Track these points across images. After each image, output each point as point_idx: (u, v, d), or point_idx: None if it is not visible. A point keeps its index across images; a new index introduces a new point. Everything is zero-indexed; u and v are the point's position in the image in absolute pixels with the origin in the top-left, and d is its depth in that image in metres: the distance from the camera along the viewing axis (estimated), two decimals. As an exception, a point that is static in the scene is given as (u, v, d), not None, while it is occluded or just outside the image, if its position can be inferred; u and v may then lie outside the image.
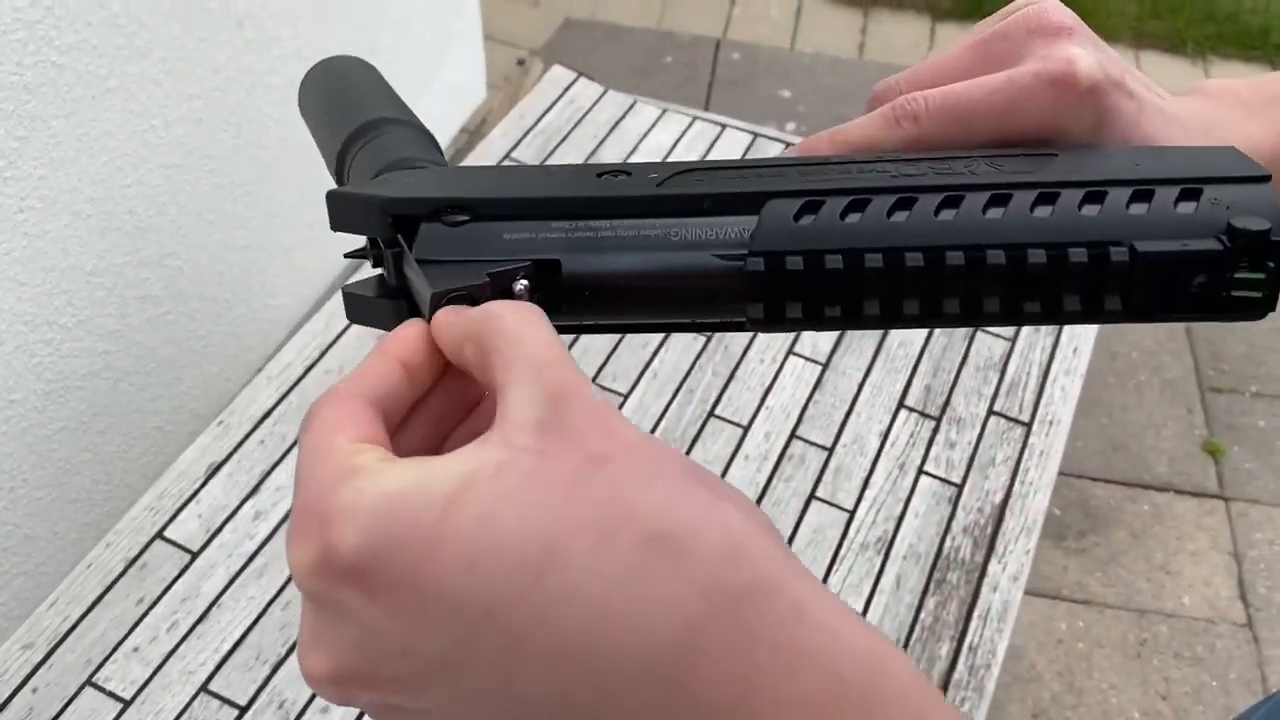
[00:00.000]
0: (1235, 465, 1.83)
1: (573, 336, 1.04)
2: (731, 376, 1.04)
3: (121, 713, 0.80)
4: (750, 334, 1.07)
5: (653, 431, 0.99)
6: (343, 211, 0.34)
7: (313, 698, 0.81)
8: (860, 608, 0.90)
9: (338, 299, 1.05)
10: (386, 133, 0.40)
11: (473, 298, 0.29)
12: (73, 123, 1.15)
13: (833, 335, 1.07)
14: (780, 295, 0.29)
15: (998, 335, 1.09)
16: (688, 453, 0.98)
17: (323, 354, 1.01)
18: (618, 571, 0.22)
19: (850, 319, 0.30)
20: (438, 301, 0.29)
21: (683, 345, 1.05)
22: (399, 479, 0.23)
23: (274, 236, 1.58)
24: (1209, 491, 1.79)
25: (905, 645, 0.89)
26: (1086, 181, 0.29)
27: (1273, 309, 0.29)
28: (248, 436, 0.94)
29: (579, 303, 0.31)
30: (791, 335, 1.07)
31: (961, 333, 1.09)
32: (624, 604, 0.21)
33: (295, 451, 0.91)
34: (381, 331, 0.33)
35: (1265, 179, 0.29)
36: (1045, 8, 0.33)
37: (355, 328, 1.03)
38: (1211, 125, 0.34)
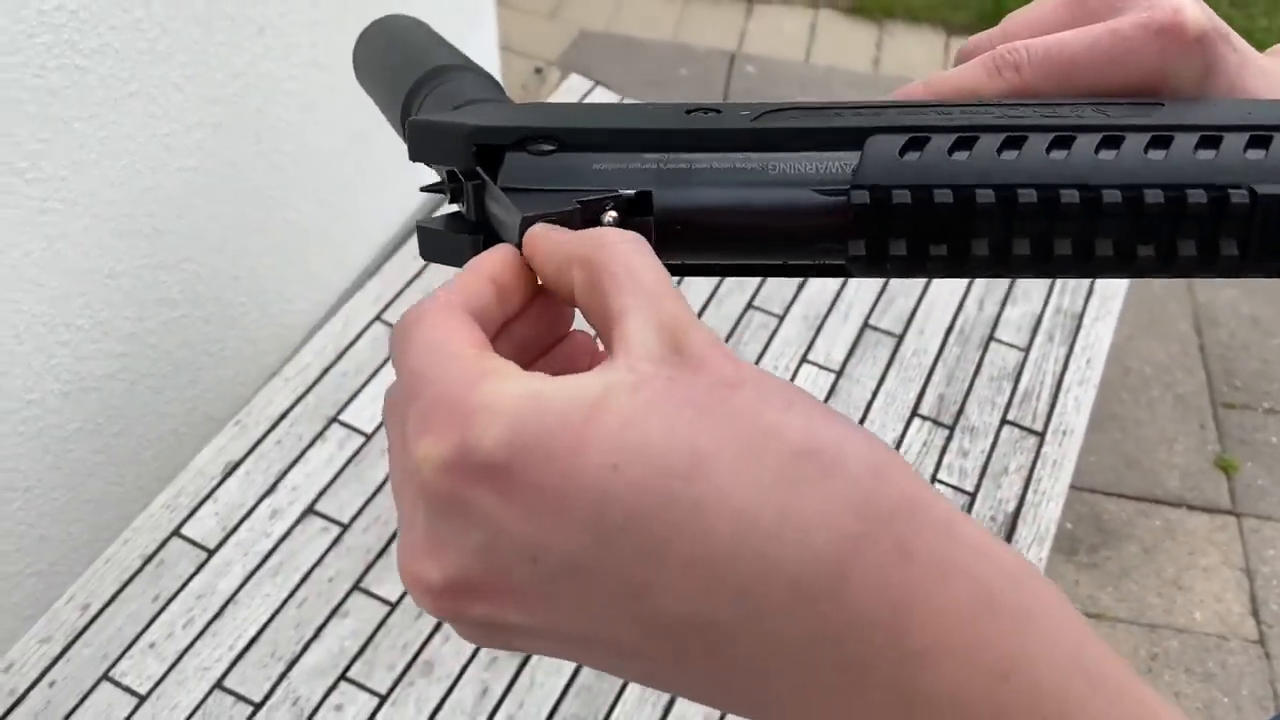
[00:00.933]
0: (1248, 481, 1.82)
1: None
2: (745, 383, 1.04)
3: (137, 708, 0.81)
4: (767, 337, 1.07)
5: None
6: (424, 140, 0.33)
7: (327, 694, 0.82)
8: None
9: (354, 302, 1.06)
10: (452, 79, 0.38)
11: (563, 225, 0.28)
12: (94, 125, 1.16)
13: (847, 343, 1.08)
14: (885, 232, 0.28)
15: (1011, 345, 1.10)
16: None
17: (339, 356, 1.01)
18: (768, 483, 0.21)
19: (957, 260, 0.28)
20: (528, 224, 0.28)
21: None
22: (538, 382, 0.23)
23: (291, 242, 1.59)
24: (1221, 507, 1.79)
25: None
26: (1201, 126, 0.28)
27: None
28: (265, 436, 0.95)
29: (670, 237, 0.30)
30: (806, 342, 1.07)
31: (975, 342, 1.09)
32: (775, 517, 0.21)
33: (316, 444, 0.91)
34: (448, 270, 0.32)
35: None
36: None
37: (370, 332, 1.03)
38: None
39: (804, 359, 1.06)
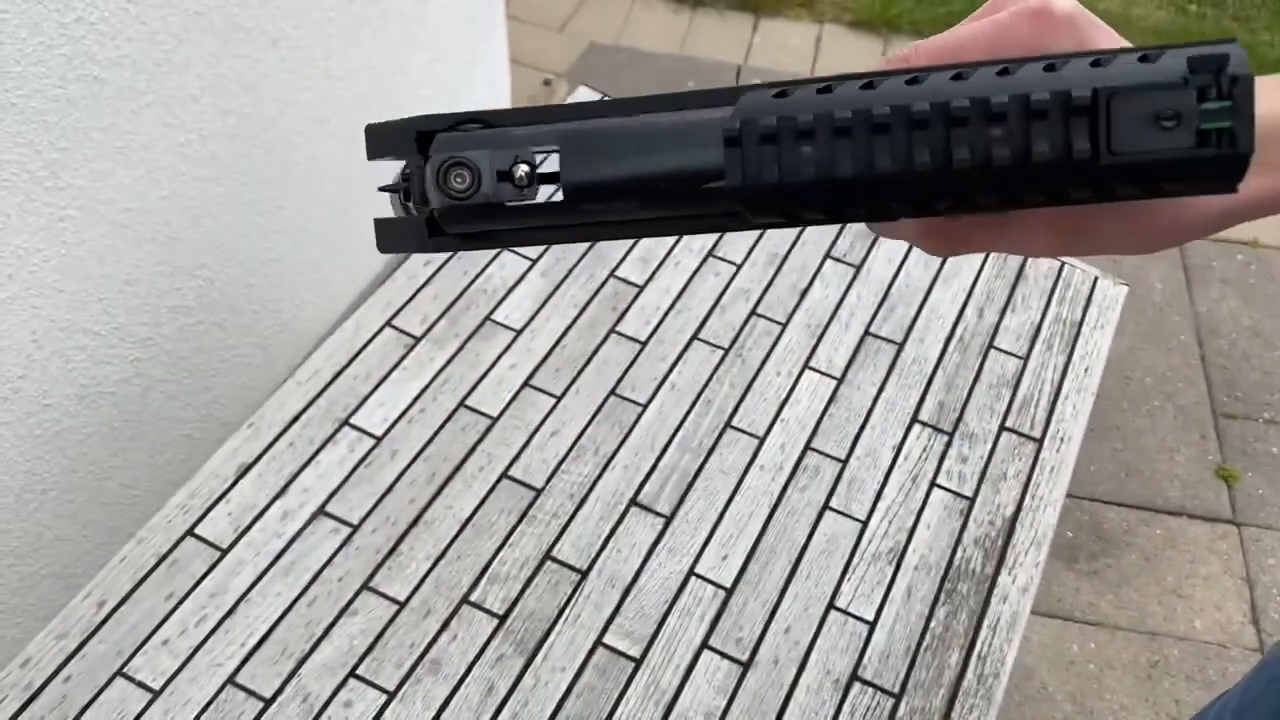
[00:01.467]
0: (1249, 491, 1.83)
1: (591, 349, 1.07)
2: (748, 389, 1.06)
3: (151, 703, 0.82)
4: (769, 345, 1.09)
5: (670, 441, 1.01)
6: (377, 139, 0.37)
7: (337, 691, 0.83)
8: (871, 615, 0.92)
9: (365, 309, 1.08)
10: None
11: (475, 169, 0.33)
12: (112, 135, 1.19)
13: (849, 350, 1.10)
14: (755, 156, 0.31)
15: (1010, 353, 1.11)
16: (704, 462, 1.00)
17: (350, 361, 1.04)
18: None
19: (823, 184, 0.30)
20: (439, 166, 0.33)
21: (701, 358, 1.07)
22: None
23: (303, 251, 1.61)
24: (1222, 517, 1.80)
25: (915, 653, 0.90)
26: (1048, 57, 0.30)
27: (1247, 156, 0.29)
28: (277, 439, 0.97)
29: (580, 194, 0.33)
30: (808, 349, 1.09)
31: (974, 350, 1.11)
32: None
33: (328, 447, 0.93)
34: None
35: (1232, 39, 0.29)
36: None
37: (381, 337, 1.06)
38: None
39: (806, 365, 1.08)
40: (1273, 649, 0.86)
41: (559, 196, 0.34)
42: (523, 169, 0.33)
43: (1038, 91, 0.29)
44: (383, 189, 0.39)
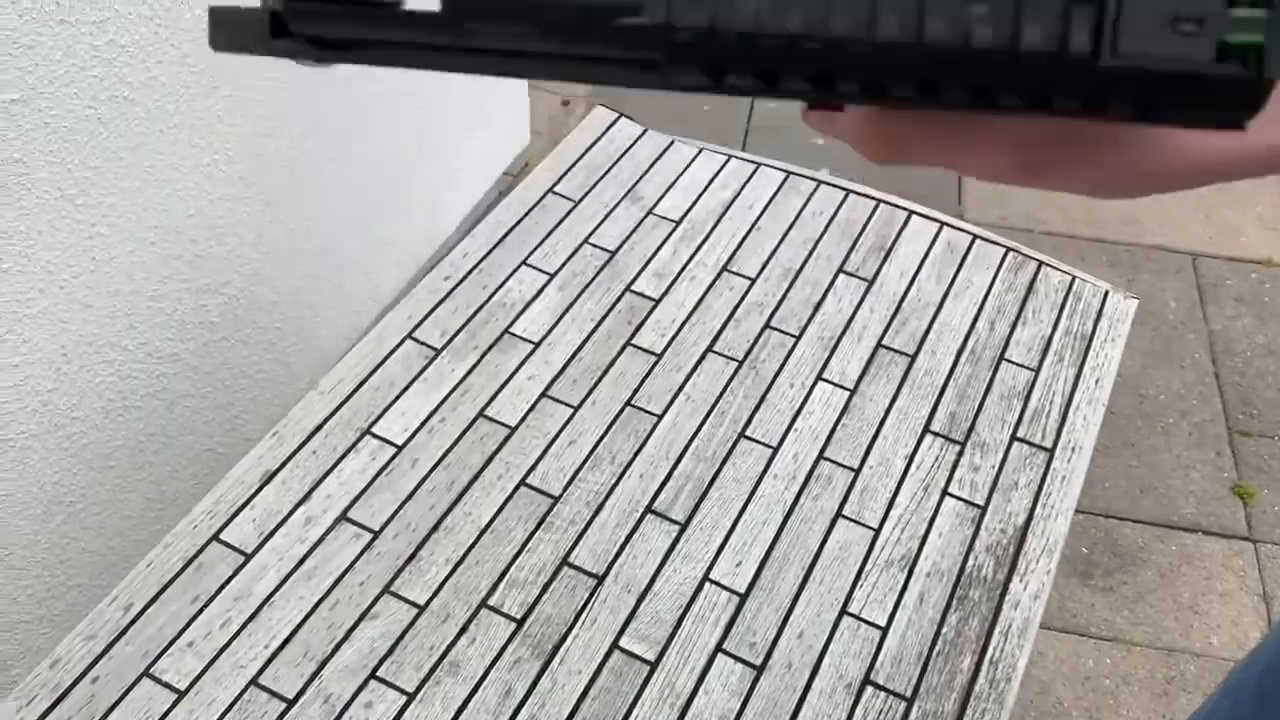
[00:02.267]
0: (1265, 508, 1.83)
1: (608, 361, 1.09)
2: (762, 400, 1.08)
3: (176, 703, 0.84)
4: (783, 357, 1.11)
5: (685, 450, 1.03)
6: None
7: (358, 692, 0.85)
8: (884, 621, 0.93)
9: (387, 321, 1.11)
10: None
11: None
12: (141, 155, 1.22)
13: (861, 362, 1.11)
14: None
15: (1021, 365, 1.13)
16: (719, 470, 1.02)
17: (372, 372, 1.06)
18: None
19: (764, 37, 0.25)
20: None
21: (715, 370, 1.09)
22: None
23: (325, 269, 1.64)
24: (1238, 534, 1.80)
25: (928, 658, 0.91)
26: None
27: (1270, 83, 0.23)
28: (301, 447, 0.99)
29: (461, 5, 0.27)
30: (821, 361, 1.11)
31: (986, 362, 1.13)
32: None
33: (350, 455, 0.95)
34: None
35: None
36: None
37: (402, 349, 1.08)
38: None
39: (819, 377, 1.10)
40: (1234, 669, 0.87)
41: (435, 6, 0.27)
42: None
43: None
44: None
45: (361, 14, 0.28)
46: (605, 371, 1.08)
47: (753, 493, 1.01)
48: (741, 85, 0.26)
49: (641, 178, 1.30)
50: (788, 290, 1.18)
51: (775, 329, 1.14)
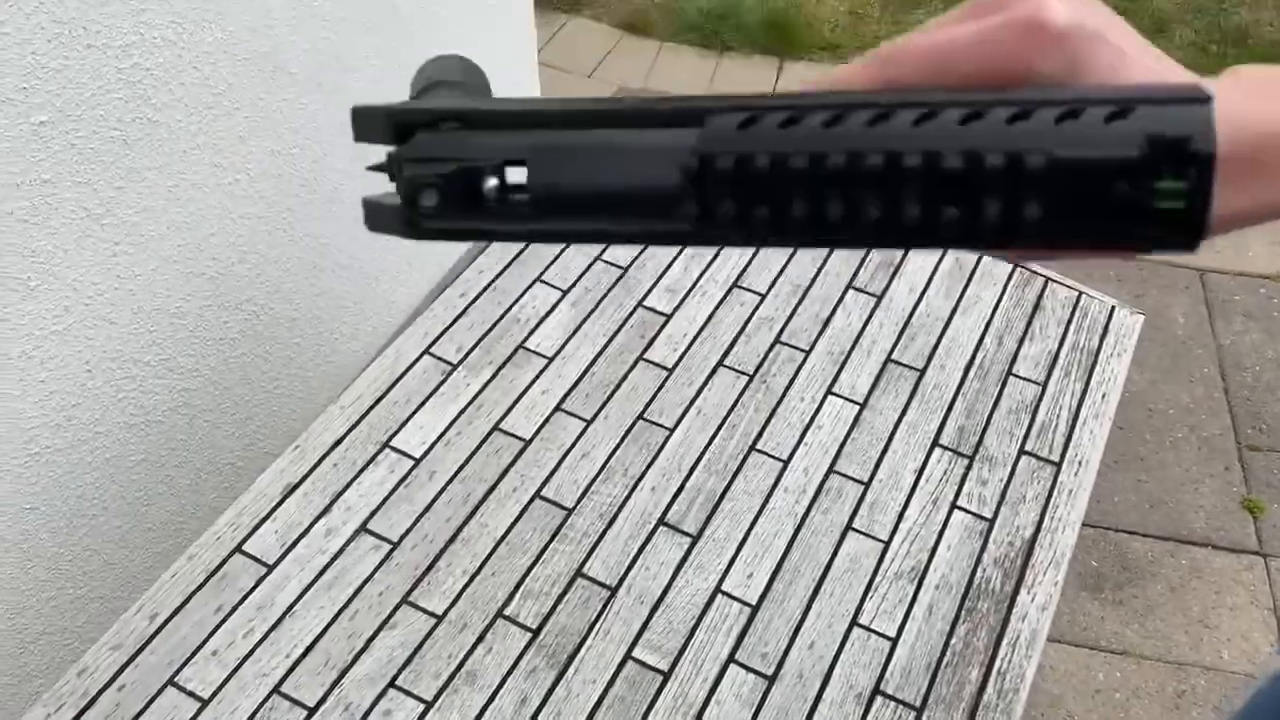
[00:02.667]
0: (1275, 522, 1.84)
1: (621, 375, 1.10)
2: (773, 414, 1.09)
3: (200, 711, 0.86)
4: (793, 371, 1.13)
5: (697, 463, 1.05)
6: (360, 123, 0.39)
7: (377, 700, 0.87)
8: (894, 632, 0.95)
9: (405, 337, 1.13)
10: (450, 87, 0.44)
11: (448, 193, 0.34)
12: (164, 174, 1.24)
13: (871, 376, 1.13)
14: (712, 194, 0.32)
15: (1029, 380, 1.14)
16: (730, 483, 1.04)
17: (391, 386, 1.08)
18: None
19: (778, 224, 0.31)
20: (412, 186, 0.35)
21: (726, 384, 1.11)
22: None
23: (344, 286, 1.67)
24: (1248, 548, 1.81)
25: (936, 669, 0.93)
26: (1019, 101, 0.30)
27: (1201, 229, 0.29)
28: (321, 460, 1.01)
29: (546, 202, 0.34)
30: (831, 376, 1.13)
31: (994, 376, 1.14)
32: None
33: (369, 468, 0.97)
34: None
35: (1205, 100, 0.29)
36: None
37: (420, 364, 1.10)
38: (1218, 97, 0.33)
39: (829, 391, 1.12)
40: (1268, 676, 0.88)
41: (526, 203, 0.35)
42: (492, 182, 0.34)
43: (993, 155, 0.29)
44: (371, 168, 0.40)
45: (469, 213, 0.35)
46: (618, 386, 1.10)
47: (764, 505, 1.02)
48: (765, 244, 0.33)
49: (654, 196, 1.32)
50: (797, 306, 1.20)
51: (785, 344, 1.16)
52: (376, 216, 0.39)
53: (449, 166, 0.35)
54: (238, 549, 0.95)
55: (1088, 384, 1.15)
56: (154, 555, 1.42)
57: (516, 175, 0.35)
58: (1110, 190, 0.29)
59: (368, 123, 0.39)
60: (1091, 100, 0.30)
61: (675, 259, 1.25)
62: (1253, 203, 0.34)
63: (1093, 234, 0.30)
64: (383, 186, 0.41)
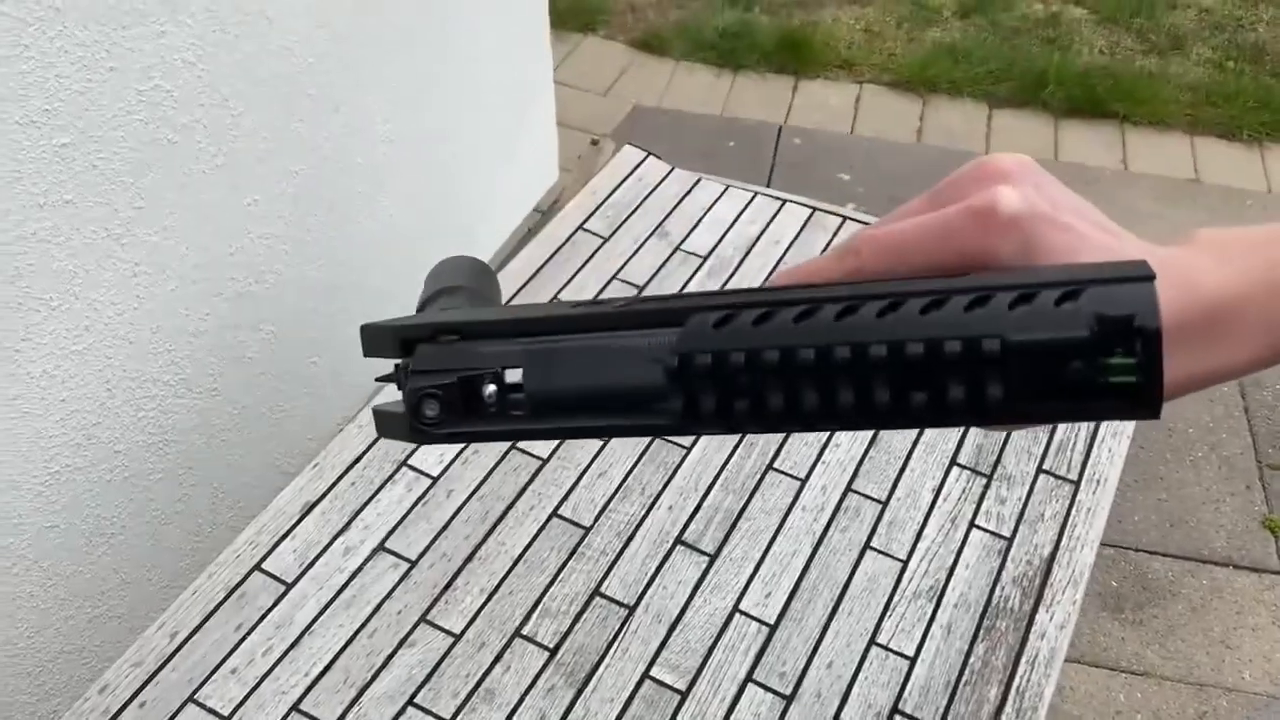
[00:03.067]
0: (1296, 542, 1.83)
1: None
2: (790, 432, 1.09)
3: (219, 729, 0.87)
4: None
5: (714, 482, 1.05)
6: (369, 340, 0.42)
7: (396, 719, 0.87)
8: (912, 651, 0.94)
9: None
10: (455, 294, 0.49)
11: (446, 400, 0.37)
12: (184, 195, 1.26)
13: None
14: (694, 389, 0.34)
15: (1046, 398, 1.14)
16: (747, 502, 1.04)
17: (408, 405, 1.08)
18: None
19: (758, 415, 0.34)
20: (415, 397, 0.37)
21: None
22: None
23: (358, 305, 1.67)
24: (1270, 568, 1.80)
25: (955, 687, 0.92)
26: (976, 288, 0.32)
27: (1156, 401, 0.30)
28: (340, 479, 1.02)
29: (542, 405, 0.37)
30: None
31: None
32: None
33: (387, 486, 0.97)
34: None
35: (1149, 279, 0.31)
36: (995, 157, 0.38)
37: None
38: (1171, 265, 0.35)
39: (846, 410, 1.12)
40: None
41: (523, 404, 0.37)
42: (491, 389, 0.37)
43: (951, 342, 0.31)
44: (380, 380, 0.44)
45: (470, 418, 0.38)
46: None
47: (781, 524, 1.02)
48: (749, 431, 0.36)
49: (669, 214, 1.33)
50: (815, 325, 1.20)
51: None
52: (386, 424, 0.41)
53: (449, 378, 0.37)
54: (257, 567, 0.95)
55: (1106, 402, 1.15)
56: (171, 574, 1.43)
57: (514, 375, 0.37)
58: (1066, 369, 0.30)
59: (376, 338, 0.41)
60: (1044, 284, 0.31)
61: (692, 277, 1.25)
62: (1211, 366, 0.35)
63: (1055, 411, 0.31)
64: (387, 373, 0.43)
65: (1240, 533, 1.84)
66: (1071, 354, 0.30)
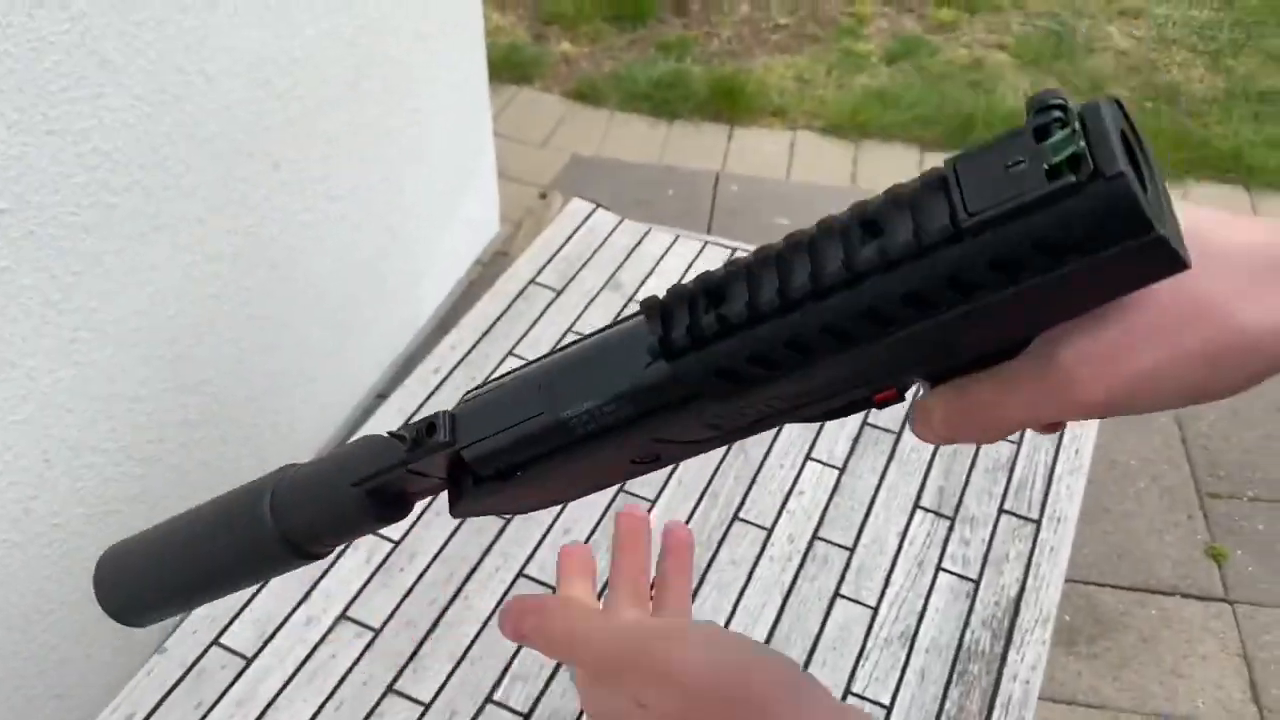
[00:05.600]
0: (1239, 569, 1.86)
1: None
2: (753, 481, 1.09)
3: (179, 816, 0.83)
4: (771, 437, 1.12)
5: (681, 535, 1.04)
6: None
7: (366, 795, 0.84)
8: (888, 699, 0.94)
9: (381, 413, 1.11)
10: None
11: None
12: (122, 258, 1.22)
13: (849, 440, 1.13)
14: (671, 322, 0.37)
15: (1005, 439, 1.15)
16: (715, 554, 1.03)
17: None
18: None
19: (733, 328, 0.35)
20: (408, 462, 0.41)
21: (705, 454, 1.10)
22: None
23: (301, 365, 1.64)
24: (1215, 595, 1.82)
25: (933, 735, 0.92)
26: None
27: (1118, 176, 0.27)
28: (297, 546, 0.99)
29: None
30: (809, 441, 1.12)
31: (969, 436, 1.15)
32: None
33: (347, 552, 0.95)
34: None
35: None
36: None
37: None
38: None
39: (808, 457, 1.11)
40: None
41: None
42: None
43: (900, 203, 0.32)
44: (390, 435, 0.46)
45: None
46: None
47: (750, 576, 1.01)
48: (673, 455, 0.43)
49: (621, 266, 1.32)
50: (771, 372, 1.19)
51: (762, 411, 1.15)
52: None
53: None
54: (215, 642, 0.92)
55: (1060, 440, 1.16)
56: (115, 650, 1.38)
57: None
58: (1005, 165, 0.28)
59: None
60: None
61: (646, 328, 1.24)
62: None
63: (1007, 229, 0.28)
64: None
65: (1185, 561, 1.87)
66: (1007, 149, 0.28)
